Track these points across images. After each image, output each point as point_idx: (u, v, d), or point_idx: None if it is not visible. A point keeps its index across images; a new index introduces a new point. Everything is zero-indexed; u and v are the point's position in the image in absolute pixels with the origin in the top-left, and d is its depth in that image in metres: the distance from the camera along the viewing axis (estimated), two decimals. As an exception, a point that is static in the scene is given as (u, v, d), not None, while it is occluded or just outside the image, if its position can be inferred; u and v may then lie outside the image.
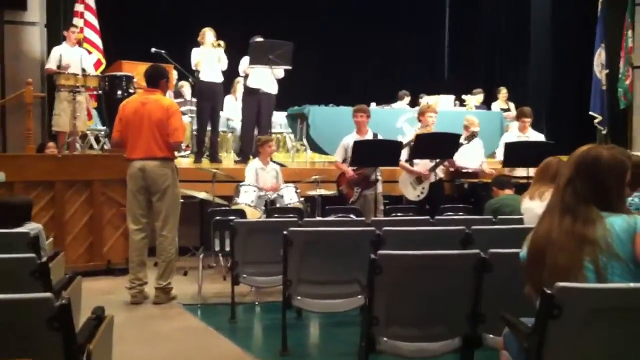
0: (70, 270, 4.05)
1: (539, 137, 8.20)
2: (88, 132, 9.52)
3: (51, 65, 8.48)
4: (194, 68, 8.82)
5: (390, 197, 7.77)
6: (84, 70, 8.51)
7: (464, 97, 11.73)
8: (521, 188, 5.98)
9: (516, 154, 7.32)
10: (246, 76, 9.07)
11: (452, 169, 7.93)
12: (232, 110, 10.44)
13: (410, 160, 7.22)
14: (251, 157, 8.54)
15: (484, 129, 8.36)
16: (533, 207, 4.09)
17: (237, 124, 10.04)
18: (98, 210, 6.84)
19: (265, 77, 8.78)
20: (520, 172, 7.48)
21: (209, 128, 9.08)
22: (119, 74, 8.29)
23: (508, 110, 11.54)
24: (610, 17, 10.66)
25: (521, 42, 13.58)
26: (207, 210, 6.92)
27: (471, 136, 7.55)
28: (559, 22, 12.54)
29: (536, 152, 6.34)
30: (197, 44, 8.80)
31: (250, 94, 8.96)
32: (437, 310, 3.20)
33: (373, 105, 10.13)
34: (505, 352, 2.79)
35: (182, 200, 6.10)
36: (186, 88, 10.42)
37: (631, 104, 10.52)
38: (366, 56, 14.45)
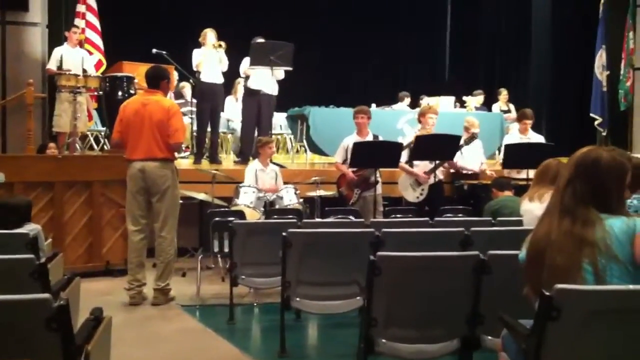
0: (69, 271, 4.05)
1: (540, 139, 8.20)
2: (88, 132, 9.53)
3: (52, 65, 8.49)
4: (194, 69, 8.82)
5: (390, 198, 7.77)
6: (84, 71, 8.52)
7: (464, 98, 11.73)
8: (521, 190, 5.98)
9: (516, 155, 7.32)
10: (247, 77, 9.07)
11: (452, 170, 7.94)
12: (232, 111, 10.44)
13: (410, 161, 7.22)
14: (251, 158, 8.55)
15: (484, 130, 8.36)
16: (532, 209, 4.09)
17: (237, 125, 10.04)
18: (97, 211, 6.83)
19: (265, 79, 8.79)
20: (520, 173, 7.48)
21: (209, 129, 9.08)
22: (119, 74, 8.30)
23: (508, 111, 11.54)
24: (611, 18, 10.66)
25: (522, 43, 13.59)
26: (206, 211, 6.91)
27: (471, 138, 7.55)
28: (559, 23, 12.55)
29: (536, 154, 6.33)
30: (198, 45, 8.80)
31: (251, 95, 8.97)
32: (436, 311, 3.20)
33: (373, 106, 10.13)
34: (503, 354, 2.79)
35: (181, 201, 6.10)
36: (187, 89, 10.42)
37: (632, 105, 10.52)
38: (366, 57, 14.46)
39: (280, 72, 8.84)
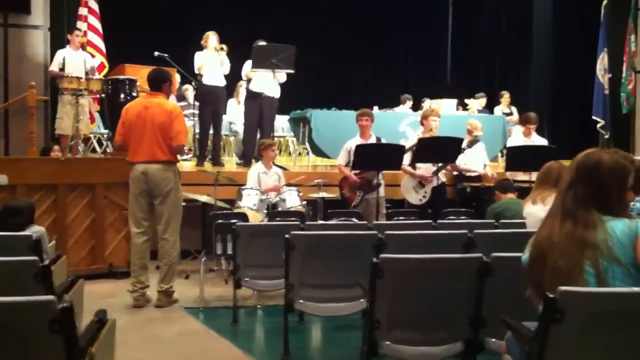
0: (73, 274, 4.06)
1: (543, 142, 8.20)
2: (91, 135, 9.54)
3: (54, 68, 8.50)
4: (196, 72, 8.84)
5: (393, 201, 7.76)
6: (87, 73, 8.53)
7: (466, 101, 11.74)
8: (524, 192, 5.97)
9: (519, 158, 7.32)
10: (249, 80, 9.09)
11: (455, 173, 7.93)
12: (234, 114, 10.46)
13: (412, 164, 7.22)
14: (253, 160, 8.55)
15: (486, 133, 8.37)
16: (535, 212, 4.09)
17: (239, 127, 10.05)
18: (100, 213, 6.84)
19: (267, 81, 8.79)
20: (523, 176, 7.47)
21: (211, 132, 9.09)
22: (122, 77, 8.31)
23: (510, 114, 11.54)
24: (613, 21, 10.66)
25: (523, 45, 13.60)
26: (209, 213, 6.91)
27: (473, 141, 7.55)
28: (560, 26, 12.56)
29: (539, 157, 6.33)
30: (200, 48, 8.81)
31: (253, 97, 8.98)
32: (439, 314, 3.19)
33: (375, 109, 10.14)
34: (507, 357, 2.79)
35: (184, 204, 6.10)
36: (190, 92, 10.44)
37: (634, 108, 10.51)
38: (368, 60, 14.47)
39: (282, 75, 8.85)
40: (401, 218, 6.15)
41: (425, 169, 7.23)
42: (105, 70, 9.56)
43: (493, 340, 3.16)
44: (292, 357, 4.36)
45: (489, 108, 11.94)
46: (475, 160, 7.92)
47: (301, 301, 4.10)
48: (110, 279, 6.71)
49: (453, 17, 16.05)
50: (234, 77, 9.52)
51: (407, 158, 7.11)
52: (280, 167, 7.96)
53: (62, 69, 8.42)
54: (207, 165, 8.79)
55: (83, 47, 9.00)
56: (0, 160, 6.97)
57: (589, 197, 2.51)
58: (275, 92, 8.92)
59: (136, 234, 5.82)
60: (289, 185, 7.26)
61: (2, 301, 2.14)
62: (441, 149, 7.10)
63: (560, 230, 2.52)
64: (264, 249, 4.84)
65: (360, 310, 4.13)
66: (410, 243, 4.04)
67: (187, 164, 9.08)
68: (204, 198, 6.92)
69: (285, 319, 4.24)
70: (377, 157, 6.94)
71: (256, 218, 6.56)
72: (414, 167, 7.26)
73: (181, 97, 10.57)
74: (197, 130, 9.27)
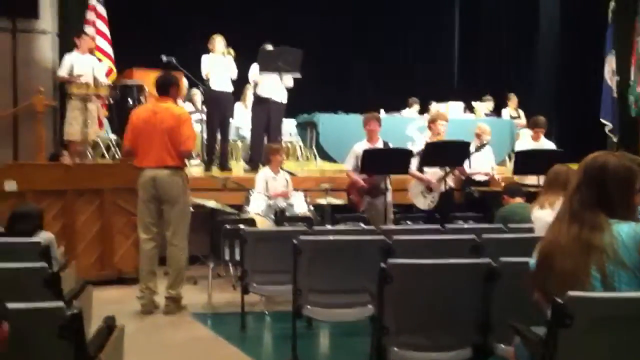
0: (81, 280, 4.07)
1: (552, 146, 8.17)
2: (99, 140, 9.57)
3: (62, 72, 8.53)
4: (204, 77, 8.85)
5: (401, 205, 7.75)
6: (95, 78, 8.56)
7: (473, 104, 11.72)
8: (532, 196, 5.95)
9: (527, 162, 7.30)
10: (256, 85, 9.10)
11: (462, 177, 7.91)
12: (241, 119, 10.47)
13: (420, 168, 7.20)
14: (261, 165, 8.56)
15: (494, 136, 8.35)
16: (543, 216, 4.08)
17: (246, 132, 10.06)
18: (108, 219, 6.85)
19: (274, 86, 8.80)
20: (531, 180, 7.45)
21: (218, 136, 9.11)
22: (130, 82, 8.34)
23: (518, 117, 11.51)
24: (620, 23, 10.62)
25: (530, 48, 13.57)
26: (217, 219, 6.92)
27: (482, 145, 7.54)
28: (568, 29, 12.52)
29: (547, 160, 6.31)
30: (207, 50, 8.83)
31: (260, 102, 8.99)
32: (447, 319, 3.19)
33: (382, 112, 10.13)
34: (516, 362, 2.78)
35: (192, 209, 6.11)
36: (198, 96, 10.46)
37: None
38: (375, 64, 14.47)
39: (289, 80, 8.86)
40: (409, 223, 6.14)
41: (432, 173, 7.22)
42: (114, 75, 9.60)
43: (502, 345, 3.15)
44: (301, 362, 4.36)
45: (496, 111, 11.91)
46: (483, 165, 7.90)
47: (309, 307, 4.09)
48: (119, 285, 6.72)
49: (460, 20, 16.06)
50: (241, 82, 9.53)
51: (414, 162, 7.10)
52: (288, 172, 7.96)
53: (70, 74, 8.45)
54: (215, 170, 8.80)
55: (91, 51, 9.03)
56: (9, 166, 6.99)
57: (595, 200, 2.51)
58: (282, 97, 8.93)
59: (145, 240, 5.82)
60: (296, 190, 7.26)
61: (12, 307, 2.15)
62: (448, 153, 7.08)
63: (567, 233, 2.52)
64: (271, 255, 4.84)
65: (368, 316, 4.13)
66: (418, 248, 4.03)
67: (194, 169, 9.10)
68: (211, 203, 6.92)
69: (293, 325, 4.22)
70: (384, 162, 6.93)
71: (264, 223, 6.56)
72: (421, 172, 7.24)
73: (190, 102, 10.61)
74: (205, 136, 9.29)
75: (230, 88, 8.93)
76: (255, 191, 7.04)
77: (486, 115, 11.43)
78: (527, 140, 8.36)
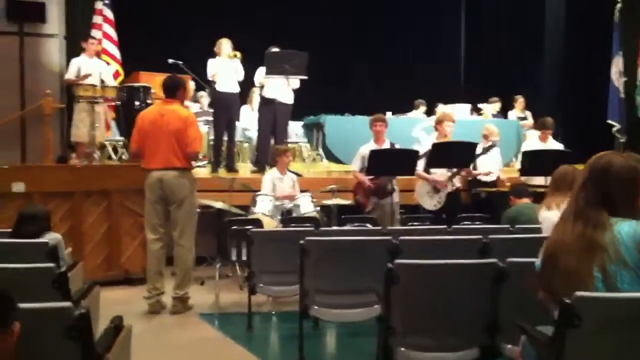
0: (89, 280, 4.09)
1: (560, 147, 8.14)
2: (106, 142, 9.60)
3: (70, 76, 8.57)
4: (210, 79, 8.88)
5: (407, 206, 7.74)
6: (102, 81, 8.59)
7: (480, 105, 11.70)
8: (539, 197, 5.94)
9: (534, 162, 7.28)
10: (262, 86, 9.11)
11: (469, 178, 7.89)
12: (248, 120, 10.49)
13: (427, 169, 7.20)
14: (267, 166, 8.57)
15: (500, 137, 8.33)
16: (551, 217, 4.06)
17: (253, 133, 10.08)
18: (116, 220, 6.88)
19: (281, 88, 8.82)
20: (538, 180, 7.43)
21: (225, 138, 9.13)
22: (136, 84, 8.37)
23: (525, 119, 11.48)
24: (627, 24, 10.58)
25: (537, 49, 13.52)
26: (223, 219, 6.93)
27: (489, 147, 7.52)
28: (574, 29, 12.48)
29: (554, 161, 6.29)
30: (214, 54, 8.85)
31: (266, 104, 9.00)
32: (454, 320, 3.18)
33: (389, 114, 10.13)
34: (522, 362, 2.78)
35: (198, 210, 6.12)
36: (205, 98, 10.49)
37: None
38: (382, 65, 14.47)
39: (295, 81, 8.87)
40: (415, 223, 6.13)
41: (439, 174, 7.21)
42: (121, 78, 9.63)
43: (509, 346, 3.14)
44: (307, 363, 4.36)
45: (503, 113, 11.88)
46: (490, 166, 7.89)
47: (316, 307, 4.10)
48: (126, 286, 6.74)
49: (466, 24, 16.05)
50: (247, 84, 9.55)
51: (421, 163, 7.09)
52: (295, 173, 7.97)
53: (77, 77, 8.49)
54: (222, 172, 8.81)
55: (98, 55, 9.07)
56: (16, 168, 7.02)
57: (599, 199, 2.52)
58: (288, 99, 8.94)
59: (152, 241, 5.85)
60: (303, 192, 7.26)
61: (20, 307, 2.16)
62: (455, 154, 7.07)
63: (571, 231, 2.53)
64: (278, 255, 4.84)
65: (375, 316, 4.13)
66: (425, 249, 4.03)
67: (201, 171, 9.11)
68: (218, 204, 6.93)
69: (300, 325, 4.23)
70: (391, 163, 6.93)
71: (270, 224, 6.57)
72: (428, 173, 7.23)
73: (195, 102, 10.65)
74: (212, 137, 9.30)
75: (236, 90, 8.95)
76: (262, 192, 7.05)
77: (493, 116, 11.40)
78: (534, 142, 8.33)
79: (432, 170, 7.21)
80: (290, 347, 4.57)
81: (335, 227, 6.56)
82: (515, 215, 5.53)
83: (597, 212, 2.50)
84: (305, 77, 8.80)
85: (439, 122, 7.49)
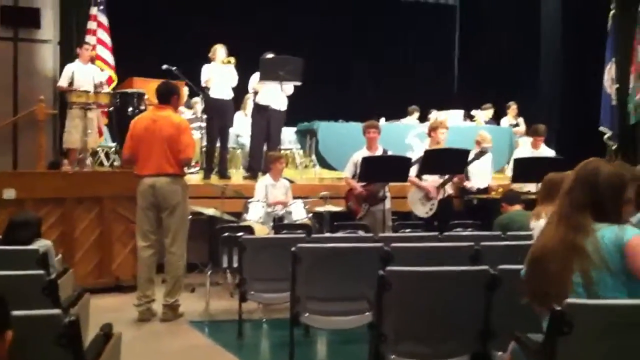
0: (79, 287, 4.07)
1: (551, 154, 8.16)
2: (99, 149, 9.57)
3: (63, 82, 8.55)
4: (203, 85, 8.87)
5: (399, 213, 7.75)
6: (95, 87, 8.58)
7: (473, 112, 11.73)
8: (531, 204, 5.95)
9: (525, 169, 7.30)
10: (256, 93, 9.12)
11: (462, 185, 7.91)
12: (241, 127, 10.48)
13: (419, 176, 7.20)
14: (260, 173, 8.56)
15: (493, 144, 8.35)
16: (541, 225, 4.06)
17: (246, 140, 10.07)
18: (107, 227, 6.85)
19: (274, 94, 8.82)
20: (531, 187, 7.44)
21: (218, 144, 9.12)
22: (130, 90, 8.35)
23: (517, 125, 11.52)
24: (620, 31, 10.64)
25: (530, 56, 13.57)
26: (215, 226, 6.91)
27: (481, 153, 7.54)
28: (569, 36, 12.53)
29: (546, 168, 6.31)
30: (208, 60, 8.85)
31: (260, 110, 9.01)
32: (446, 327, 3.18)
33: (382, 120, 10.15)
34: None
35: (190, 217, 6.11)
36: (199, 105, 10.47)
37: (642, 119, 10.47)
38: (374, 71, 14.51)
39: (289, 88, 8.88)
40: (407, 230, 6.13)
41: (431, 181, 7.22)
42: (114, 84, 9.62)
43: (500, 353, 3.14)
44: (299, 370, 4.35)
45: (496, 119, 11.92)
46: (482, 172, 7.90)
47: (307, 314, 4.10)
48: (116, 293, 6.71)
49: (460, 30, 16.12)
50: (241, 90, 9.55)
51: (414, 170, 7.10)
52: (288, 179, 7.97)
53: (71, 84, 8.47)
54: (214, 178, 8.80)
55: (92, 60, 9.05)
56: (8, 174, 7.00)
57: (586, 202, 2.55)
58: (282, 105, 8.94)
59: (143, 247, 5.82)
60: (295, 198, 7.26)
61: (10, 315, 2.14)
62: (448, 160, 7.08)
63: (554, 235, 2.55)
64: (270, 262, 4.84)
65: (366, 324, 4.12)
66: (416, 255, 4.03)
67: (193, 177, 9.09)
68: (210, 211, 6.92)
69: (291, 333, 4.22)
70: (383, 169, 6.94)
71: (262, 231, 6.56)
72: (420, 179, 7.24)
73: (189, 108, 10.64)
74: (204, 143, 9.29)
75: (230, 96, 8.95)
76: (254, 199, 7.04)
77: (486, 123, 11.44)
78: (526, 148, 8.36)
79: (424, 176, 7.21)
80: (281, 354, 4.57)
81: (327, 234, 6.56)
82: (507, 222, 5.54)
83: (582, 216, 2.52)
84: (299, 83, 8.81)
85: (433, 129, 7.50)
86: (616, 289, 2.41)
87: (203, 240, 7.57)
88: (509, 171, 8.71)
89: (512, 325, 2.78)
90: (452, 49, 16.25)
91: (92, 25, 9.61)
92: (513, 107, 11.80)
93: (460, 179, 7.62)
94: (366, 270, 3.78)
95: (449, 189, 7.37)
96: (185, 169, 6.08)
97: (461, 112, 11.32)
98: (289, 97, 9.02)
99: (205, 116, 9.27)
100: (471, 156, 7.36)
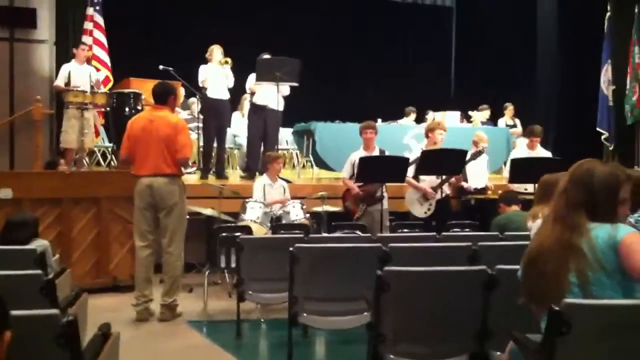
0: (77, 287, 4.06)
1: (548, 155, 8.17)
2: (95, 149, 9.56)
3: (59, 82, 8.54)
4: (200, 85, 8.87)
5: (397, 213, 7.75)
6: (92, 87, 8.57)
7: (470, 113, 11.75)
8: (528, 204, 5.96)
9: (522, 170, 7.31)
10: (252, 93, 9.11)
11: (459, 185, 7.91)
12: (238, 127, 10.48)
13: (416, 176, 7.21)
14: (257, 173, 8.56)
15: (489, 145, 8.36)
16: (537, 226, 4.07)
17: (243, 140, 10.07)
18: (105, 227, 6.85)
19: (271, 94, 8.83)
20: (528, 187, 7.45)
21: (215, 144, 9.11)
22: (126, 91, 8.33)
23: (514, 126, 11.54)
24: (617, 33, 10.67)
25: (527, 57, 13.59)
26: (213, 226, 6.91)
27: (477, 153, 7.55)
28: (565, 38, 12.55)
29: (542, 169, 6.32)
30: (205, 61, 8.85)
31: (257, 110, 9.01)
32: (444, 327, 3.19)
33: (379, 121, 10.16)
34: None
35: (188, 217, 6.10)
36: (196, 105, 10.47)
37: (638, 120, 10.49)
38: (372, 72, 14.52)
39: (285, 88, 8.88)
40: (405, 230, 6.14)
41: (428, 181, 7.22)
42: (111, 84, 9.61)
43: (498, 353, 3.14)
44: (297, 371, 4.35)
45: (493, 120, 11.94)
46: (478, 173, 7.91)
47: (305, 314, 4.09)
48: (114, 293, 6.70)
49: (457, 30, 16.13)
50: (238, 90, 9.55)
51: (411, 170, 7.10)
52: (285, 180, 7.97)
53: (67, 84, 8.46)
54: (211, 179, 8.79)
55: (88, 61, 9.04)
56: (5, 174, 6.99)
57: (580, 202, 2.56)
58: (279, 105, 8.94)
59: (141, 247, 5.82)
60: (293, 198, 7.26)
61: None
62: (445, 161, 7.08)
63: (550, 235, 2.56)
64: (268, 262, 4.83)
65: (364, 324, 4.12)
66: (414, 256, 4.03)
67: (191, 177, 9.08)
68: (208, 211, 6.92)
69: (289, 333, 4.21)
70: (381, 170, 6.94)
71: (260, 231, 6.56)
72: (417, 180, 7.24)
73: (186, 108, 10.63)
74: (202, 144, 9.29)
75: (227, 96, 8.95)
76: (252, 199, 7.04)
77: (482, 124, 11.45)
78: (523, 149, 8.37)
79: (421, 177, 7.22)
80: (279, 354, 4.56)
81: (325, 234, 6.56)
82: (505, 223, 5.55)
83: (577, 215, 2.53)
84: (296, 84, 8.81)
85: (430, 130, 7.50)
86: (612, 288, 2.42)
87: (201, 240, 7.57)
88: (506, 172, 8.73)
89: (510, 325, 2.78)
90: (449, 51, 16.26)
91: (88, 25, 9.61)
92: (510, 108, 11.82)
93: (458, 180, 7.63)
94: (364, 271, 3.78)
95: (447, 189, 7.37)
96: (183, 169, 6.07)
97: (458, 113, 11.34)
98: (286, 98, 9.02)
99: (202, 116, 9.26)
100: (468, 156, 7.36)
